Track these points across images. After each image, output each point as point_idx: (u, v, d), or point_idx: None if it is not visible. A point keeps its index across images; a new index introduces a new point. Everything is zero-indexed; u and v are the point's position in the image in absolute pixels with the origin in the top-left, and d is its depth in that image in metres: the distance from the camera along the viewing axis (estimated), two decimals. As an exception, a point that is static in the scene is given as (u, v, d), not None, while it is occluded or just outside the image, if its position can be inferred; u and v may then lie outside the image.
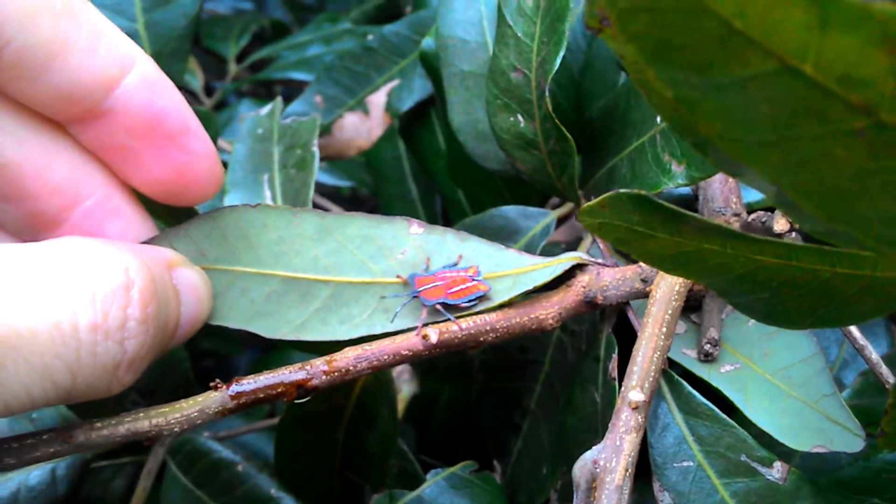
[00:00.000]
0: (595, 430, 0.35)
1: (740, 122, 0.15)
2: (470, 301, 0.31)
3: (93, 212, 0.28)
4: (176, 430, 0.28)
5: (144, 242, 0.29)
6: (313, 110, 0.60)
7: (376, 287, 0.31)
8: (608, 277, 0.33)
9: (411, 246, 0.31)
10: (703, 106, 0.15)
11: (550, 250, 0.41)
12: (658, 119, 0.34)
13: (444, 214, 0.62)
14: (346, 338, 0.30)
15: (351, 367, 0.30)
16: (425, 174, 0.62)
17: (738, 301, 0.24)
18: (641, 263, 0.33)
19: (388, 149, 0.65)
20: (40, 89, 0.25)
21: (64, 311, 0.22)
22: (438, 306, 0.31)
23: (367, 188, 0.72)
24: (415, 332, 0.30)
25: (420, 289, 0.30)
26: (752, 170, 0.16)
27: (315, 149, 0.46)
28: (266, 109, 0.49)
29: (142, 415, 0.27)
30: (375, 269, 0.31)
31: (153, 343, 0.25)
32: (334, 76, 0.60)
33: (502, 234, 0.42)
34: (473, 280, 0.31)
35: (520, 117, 0.36)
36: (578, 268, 0.33)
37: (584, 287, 0.33)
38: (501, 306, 0.32)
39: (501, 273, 0.32)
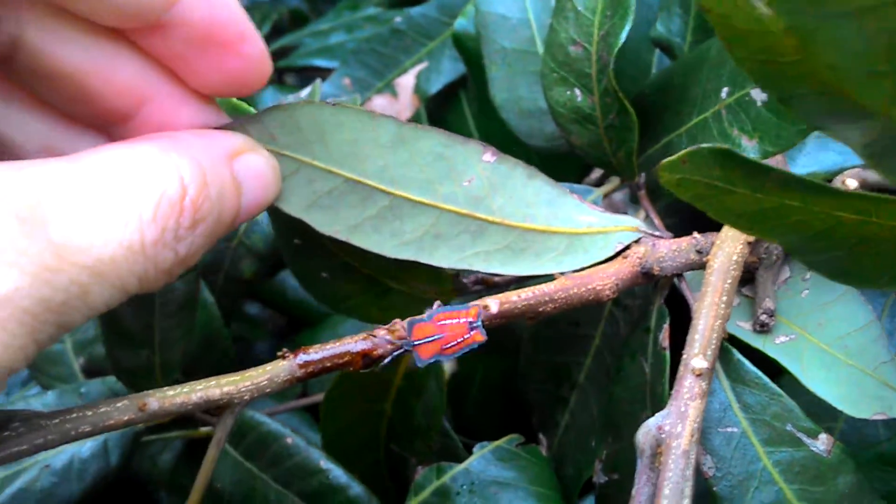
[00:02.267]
0: (643, 400, 0.35)
1: (854, 53, 0.15)
2: (462, 353, 0.30)
3: (161, 105, 0.28)
4: (246, 397, 0.28)
5: (218, 128, 0.29)
6: (342, 93, 0.60)
7: (434, 210, 0.31)
8: (664, 249, 0.33)
9: (479, 175, 0.31)
10: (817, 36, 0.15)
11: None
12: (723, 94, 0.34)
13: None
14: (391, 255, 0.31)
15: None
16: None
17: (812, 260, 0.24)
18: (696, 234, 0.34)
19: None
20: (103, 8, 0.26)
21: (135, 231, 0.24)
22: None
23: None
24: (475, 303, 0.31)
25: (416, 342, 0.29)
26: (861, 103, 0.16)
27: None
28: (305, 92, 0.49)
29: (213, 383, 0.28)
30: (439, 192, 0.31)
31: (203, 241, 0.26)
32: (362, 59, 0.60)
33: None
34: (472, 329, 0.30)
35: (577, 91, 0.37)
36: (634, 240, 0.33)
37: (641, 258, 0.33)
38: (551, 278, 0.32)
39: (556, 229, 0.32)
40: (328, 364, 0.29)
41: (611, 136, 0.37)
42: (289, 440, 0.38)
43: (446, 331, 0.30)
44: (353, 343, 0.29)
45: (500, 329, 0.45)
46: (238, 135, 0.29)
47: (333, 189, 0.30)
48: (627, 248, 0.33)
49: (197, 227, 0.26)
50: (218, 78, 0.28)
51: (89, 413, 0.26)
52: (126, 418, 0.26)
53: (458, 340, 0.30)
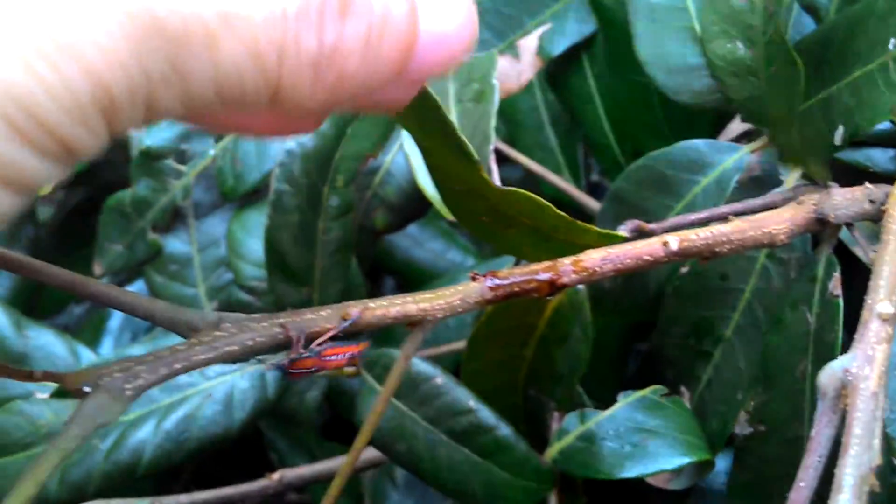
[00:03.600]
0: (804, 349, 0.35)
1: None
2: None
3: None
4: (439, 315, 0.29)
5: None
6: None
7: None
8: (839, 197, 0.33)
9: None
10: None
11: (746, 186, 0.41)
12: (891, 45, 0.34)
13: (585, 162, 0.63)
14: None
15: (597, 268, 0.30)
16: (567, 122, 0.63)
17: None
18: (868, 184, 0.33)
19: (524, 99, 0.65)
20: None
21: None
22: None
23: (497, 135, 0.72)
24: (655, 239, 0.31)
25: (292, 371, 0.27)
26: None
27: (495, 81, 0.46)
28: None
29: (409, 299, 0.28)
30: None
31: (354, 51, 0.22)
32: (485, 19, 0.60)
33: (692, 168, 0.42)
34: (350, 361, 0.28)
35: (739, 44, 0.37)
36: (806, 186, 0.33)
37: (815, 205, 0.33)
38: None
39: None
40: (516, 289, 0.29)
41: (772, 88, 0.37)
42: (438, 380, 0.39)
43: (326, 364, 0.28)
44: (540, 272, 0.30)
45: (625, 288, 0.45)
46: None
47: None
48: (801, 193, 0.33)
49: (346, 20, 0.21)
50: None
51: (297, 319, 0.27)
52: (329, 326, 0.27)
53: (333, 370, 0.28)
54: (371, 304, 0.28)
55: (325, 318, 0.27)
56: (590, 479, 0.41)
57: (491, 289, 0.29)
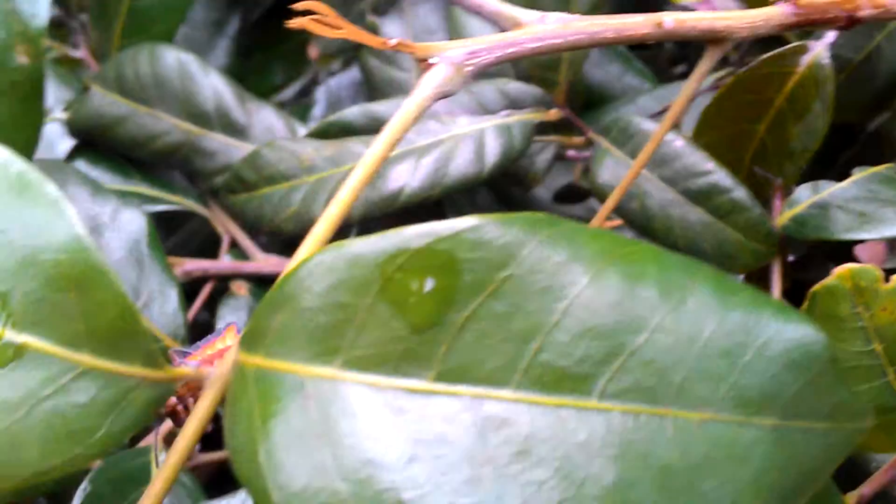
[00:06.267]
0: None
1: None
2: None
3: None
4: (742, 34, 0.30)
5: None
6: None
7: None
8: None
9: None
10: None
11: None
12: None
13: None
14: None
15: (893, 6, 0.31)
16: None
17: None
18: None
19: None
20: None
21: None
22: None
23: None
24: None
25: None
26: None
27: None
28: None
29: (718, 16, 0.30)
30: None
31: None
32: None
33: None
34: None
35: None
36: None
37: None
38: None
39: None
40: (816, 17, 0.30)
41: None
42: (678, 143, 0.41)
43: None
44: (841, 3, 0.30)
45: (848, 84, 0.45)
46: None
47: None
48: None
49: None
50: None
51: (612, 21, 0.29)
52: (644, 32, 0.29)
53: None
54: (682, 14, 0.29)
55: (639, 24, 0.29)
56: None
57: (795, 14, 0.30)
